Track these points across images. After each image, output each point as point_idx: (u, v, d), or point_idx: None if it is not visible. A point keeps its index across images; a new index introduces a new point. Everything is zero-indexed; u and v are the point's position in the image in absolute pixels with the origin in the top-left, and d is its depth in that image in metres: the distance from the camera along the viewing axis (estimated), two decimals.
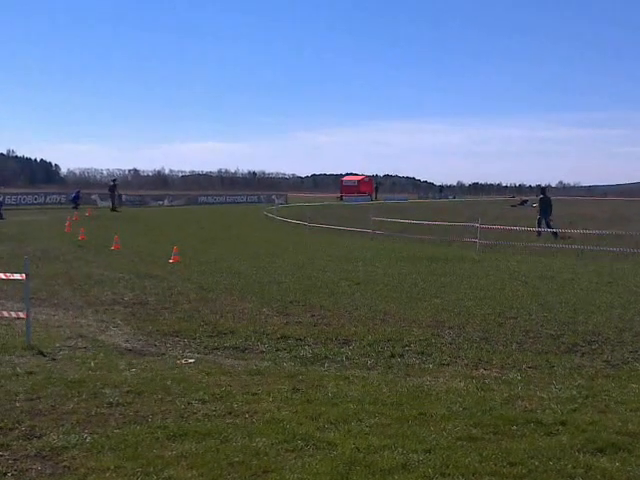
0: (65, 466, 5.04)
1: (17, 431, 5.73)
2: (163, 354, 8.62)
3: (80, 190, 55.31)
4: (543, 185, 36.96)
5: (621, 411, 6.39)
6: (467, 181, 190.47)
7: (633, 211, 53.89)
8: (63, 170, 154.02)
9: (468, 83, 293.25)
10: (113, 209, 48.94)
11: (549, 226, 27.01)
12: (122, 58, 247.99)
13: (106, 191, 55.02)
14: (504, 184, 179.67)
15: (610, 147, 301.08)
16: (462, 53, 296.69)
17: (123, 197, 57.82)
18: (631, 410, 6.41)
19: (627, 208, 62.41)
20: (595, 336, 9.66)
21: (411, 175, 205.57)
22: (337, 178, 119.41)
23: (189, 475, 4.88)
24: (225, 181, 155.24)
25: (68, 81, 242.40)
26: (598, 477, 4.89)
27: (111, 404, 6.45)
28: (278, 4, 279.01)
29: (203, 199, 71.46)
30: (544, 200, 27.92)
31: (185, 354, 8.62)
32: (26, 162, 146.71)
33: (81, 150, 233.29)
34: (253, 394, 6.80)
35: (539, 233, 26.45)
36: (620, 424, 5.97)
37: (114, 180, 56.40)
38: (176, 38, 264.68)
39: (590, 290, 13.86)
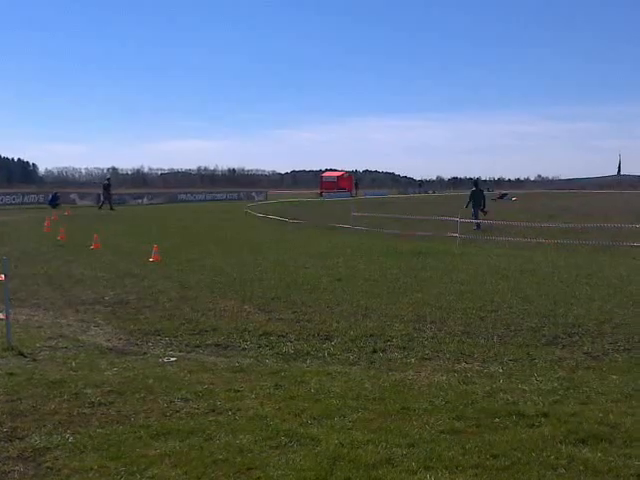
0: (48, 467, 5.00)
1: None
2: (145, 353, 8.59)
3: (57, 192, 54.75)
4: (475, 178, 38.25)
5: (602, 402, 6.44)
6: (446, 176, 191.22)
7: (609, 204, 54.39)
8: (41, 170, 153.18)
9: (447, 79, 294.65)
10: (110, 208, 48.54)
11: (476, 217, 27.53)
12: (99, 56, 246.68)
13: (92, 190, 54.55)
14: (483, 178, 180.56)
15: (588, 141, 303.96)
16: (442, 49, 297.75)
17: (101, 196, 57.36)
18: (612, 401, 6.47)
19: (602, 201, 62.95)
20: (575, 328, 9.74)
21: (390, 170, 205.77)
22: (317, 174, 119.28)
23: (173, 474, 4.86)
24: (205, 178, 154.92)
25: (45, 80, 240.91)
26: (580, 468, 4.93)
27: (93, 404, 6.41)
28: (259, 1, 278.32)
29: (183, 197, 71.16)
30: (476, 192, 28.57)
31: (167, 352, 8.59)
32: (3, 162, 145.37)
33: (59, 149, 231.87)
34: (236, 391, 6.79)
35: (478, 225, 26.99)
36: (601, 415, 6.02)
37: (108, 179, 55.80)
38: (153, 36, 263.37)
39: (570, 283, 13.96)
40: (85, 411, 6.23)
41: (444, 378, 7.29)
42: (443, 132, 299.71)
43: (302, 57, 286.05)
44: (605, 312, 10.82)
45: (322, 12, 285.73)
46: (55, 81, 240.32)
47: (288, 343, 8.99)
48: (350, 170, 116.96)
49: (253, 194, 77.68)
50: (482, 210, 28.32)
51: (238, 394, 6.71)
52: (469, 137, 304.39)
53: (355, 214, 29.48)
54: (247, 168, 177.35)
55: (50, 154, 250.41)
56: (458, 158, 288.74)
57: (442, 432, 5.64)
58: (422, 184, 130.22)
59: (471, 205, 28.29)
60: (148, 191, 78.46)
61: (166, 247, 20.02)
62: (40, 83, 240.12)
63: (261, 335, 9.42)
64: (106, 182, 52.59)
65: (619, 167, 57.34)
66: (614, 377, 7.33)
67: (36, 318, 10.67)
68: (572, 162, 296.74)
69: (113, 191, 52.94)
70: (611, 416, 5.99)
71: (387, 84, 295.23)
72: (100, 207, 49.16)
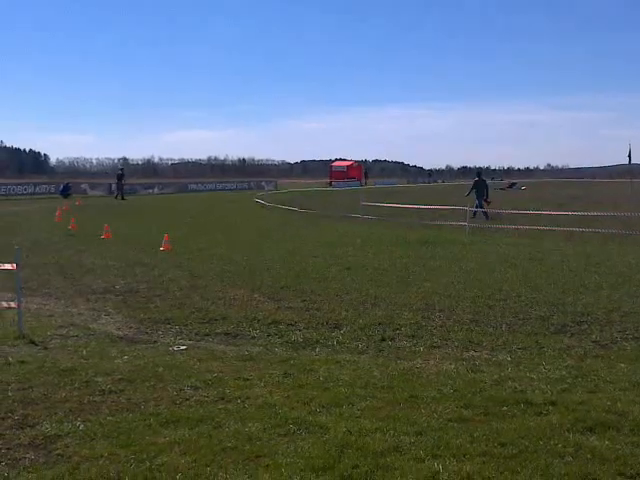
0: (58, 454, 5.04)
1: (10, 420, 5.72)
2: (155, 341, 8.62)
3: (69, 182, 54.88)
4: (478, 168, 38.68)
5: (610, 390, 6.42)
6: (456, 165, 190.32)
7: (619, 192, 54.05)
8: (52, 160, 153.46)
9: (456, 67, 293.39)
10: (122, 197, 49.01)
11: (481, 207, 27.58)
12: (109, 47, 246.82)
13: (103, 181, 54.89)
14: (492, 167, 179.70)
15: (597, 130, 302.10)
16: (449, 38, 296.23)
17: (112, 186, 57.56)
18: (620, 389, 6.45)
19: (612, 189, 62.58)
20: (584, 317, 9.71)
21: (400, 160, 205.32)
22: (326, 164, 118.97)
23: (182, 461, 4.88)
24: (215, 168, 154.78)
25: (56, 71, 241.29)
26: (588, 456, 4.91)
27: (103, 392, 6.45)
28: None
29: (193, 187, 71.21)
30: (479, 182, 28.76)
31: (177, 341, 8.62)
32: (15, 152, 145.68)
33: (70, 140, 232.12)
34: (245, 379, 6.81)
35: (486, 215, 27.05)
36: (609, 403, 6.00)
37: (122, 169, 56.15)
38: (163, 25, 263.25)
39: (579, 271, 13.90)
40: (95, 399, 6.26)
41: (452, 366, 7.29)
42: (453, 121, 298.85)
43: (311, 45, 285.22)
44: (614, 301, 10.77)
45: (325, 9, 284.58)
46: (66, 72, 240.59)
47: (297, 332, 9.00)
48: (359, 159, 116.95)
49: (263, 184, 77.62)
50: (485, 200, 28.39)
51: (247, 382, 6.72)
52: (479, 126, 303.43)
53: (364, 203, 29.42)
54: (257, 158, 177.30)
55: (61, 145, 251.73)
56: (467, 147, 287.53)
57: (450, 420, 5.63)
58: (432, 173, 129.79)
59: (474, 193, 28.31)
60: (159, 181, 78.62)
61: (176, 236, 20.05)
62: (52, 75, 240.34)
63: (270, 324, 9.44)
64: (119, 172, 52.94)
65: (629, 156, 56.64)
66: (622, 365, 7.30)
67: (47, 307, 10.73)
68: (579, 151, 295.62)
69: (124, 181, 53.18)
70: (619, 404, 5.97)
71: (396, 73, 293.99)
72: (116, 197, 49.68)
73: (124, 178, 52.86)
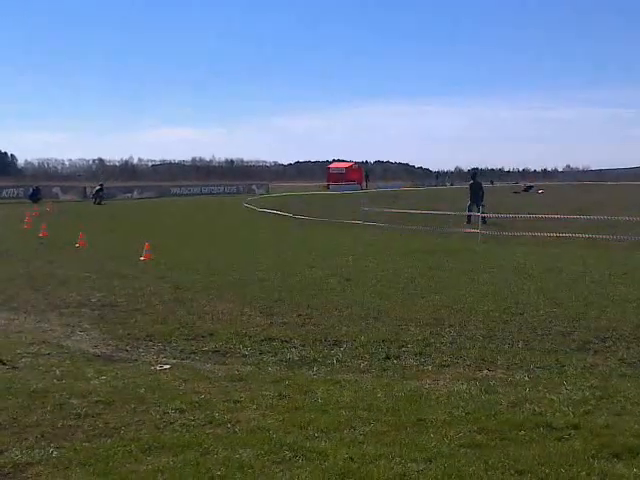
0: None
1: None
2: (135, 360, 8.60)
3: (39, 186, 55.09)
4: (474, 170, 38.75)
5: (638, 413, 6.41)
6: (465, 166, 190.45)
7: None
8: (20, 161, 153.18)
9: (464, 60, 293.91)
10: (99, 202, 50.61)
11: (479, 211, 27.66)
12: (82, 37, 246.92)
13: (76, 184, 55.78)
14: (506, 169, 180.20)
15: (621, 128, 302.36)
16: (457, 30, 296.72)
17: (87, 190, 57.93)
18: None
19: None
20: (609, 332, 9.70)
21: (404, 161, 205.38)
22: (323, 165, 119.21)
23: None
24: (200, 170, 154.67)
25: (25, 64, 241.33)
26: None
27: (79, 415, 6.42)
28: None
29: (176, 190, 71.40)
30: (475, 185, 29.18)
31: (160, 359, 8.60)
32: None
33: (40, 139, 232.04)
34: (235, 402, 6.79)
35: (469, 218, 27.24)
36: (637, 427, 5.99)
37: (101, 184, 56.88)
38: (143, 14, 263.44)
39: (602, 283, 13.92)
40: (70, 423, 6.23)
41: (464, 387, 7.28)
42: (462, 119, 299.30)
43: (306, 38, 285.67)
44: None
45: None
46: (35, 66, 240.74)
47: (292, 349, 8.99)
48: (360, 161, 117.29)
49: (253, 187, 77.84)
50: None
51: (237, 405, 6.71)
52: (491, 124, 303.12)
53: (366, 209, 29.46)
54: (246, 159, 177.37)
55: (29, 145, 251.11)
56: (478, 147, 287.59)
57: (462, 446, 5.62)
58: (439, 176, 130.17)
59: (474, 201, 28.39)
60: (138, 184, 78.76)
61: (158, 245, 20.04)
62: (19, 68, 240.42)
63: (263, 340, 9.43)
64: (98, 187, 53.65)
65: None
66: None
67: (16, 322, 10.71)
68: (604, 151, 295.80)
69: (95, 184, 54.29)
70: None
71: (399, 67, 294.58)
72: (94, 202, 50.46)
73: (102, 191, 53.64)
